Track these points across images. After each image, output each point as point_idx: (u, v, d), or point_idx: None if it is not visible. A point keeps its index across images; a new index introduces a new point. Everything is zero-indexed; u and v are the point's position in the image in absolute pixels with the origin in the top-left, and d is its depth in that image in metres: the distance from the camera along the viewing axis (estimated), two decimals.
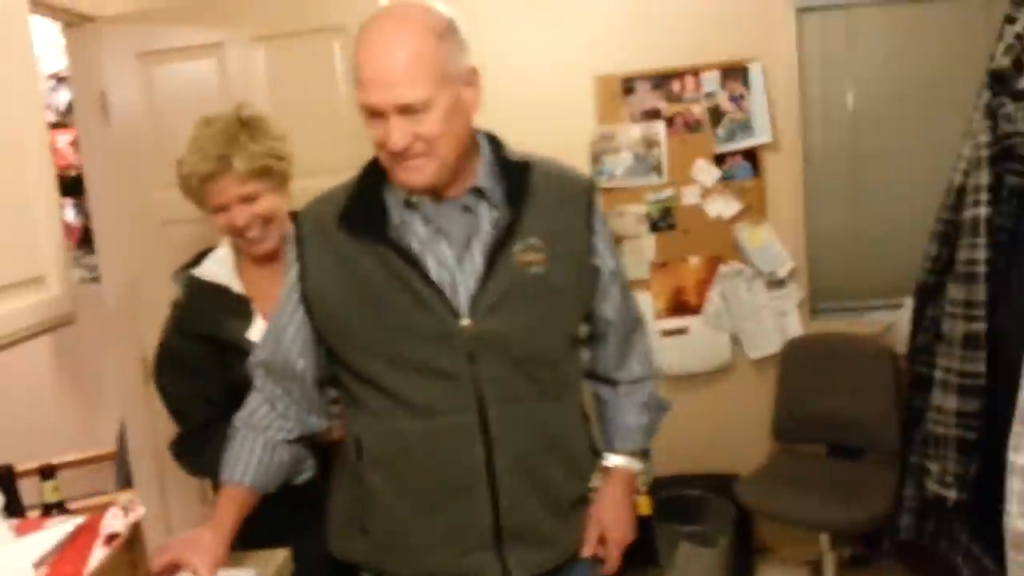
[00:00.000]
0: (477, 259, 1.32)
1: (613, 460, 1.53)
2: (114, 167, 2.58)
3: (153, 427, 2.64)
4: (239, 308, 1.69)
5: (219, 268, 1.73)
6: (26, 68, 1.57)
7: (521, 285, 1.32)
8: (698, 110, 3.18)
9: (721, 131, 3.17)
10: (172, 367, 1.69)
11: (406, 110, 1.22)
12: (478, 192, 1.34)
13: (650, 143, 3.20)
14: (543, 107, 3.14)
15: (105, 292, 2.68)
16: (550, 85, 3.18)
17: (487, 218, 1.34)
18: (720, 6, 3.14)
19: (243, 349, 1.60)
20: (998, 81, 1.31)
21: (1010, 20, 1.28)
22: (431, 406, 1.31)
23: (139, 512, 1.18)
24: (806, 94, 3.20)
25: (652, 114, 3.20)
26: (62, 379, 3.94)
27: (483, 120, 1.38)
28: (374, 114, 1.24)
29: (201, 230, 2.51)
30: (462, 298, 1.31)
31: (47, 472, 1.89)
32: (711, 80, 3.15)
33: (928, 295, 2.34)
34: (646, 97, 3.19)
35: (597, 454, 1.53)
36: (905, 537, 2.50)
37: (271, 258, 1.72)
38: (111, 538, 1.15)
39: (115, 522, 1.17)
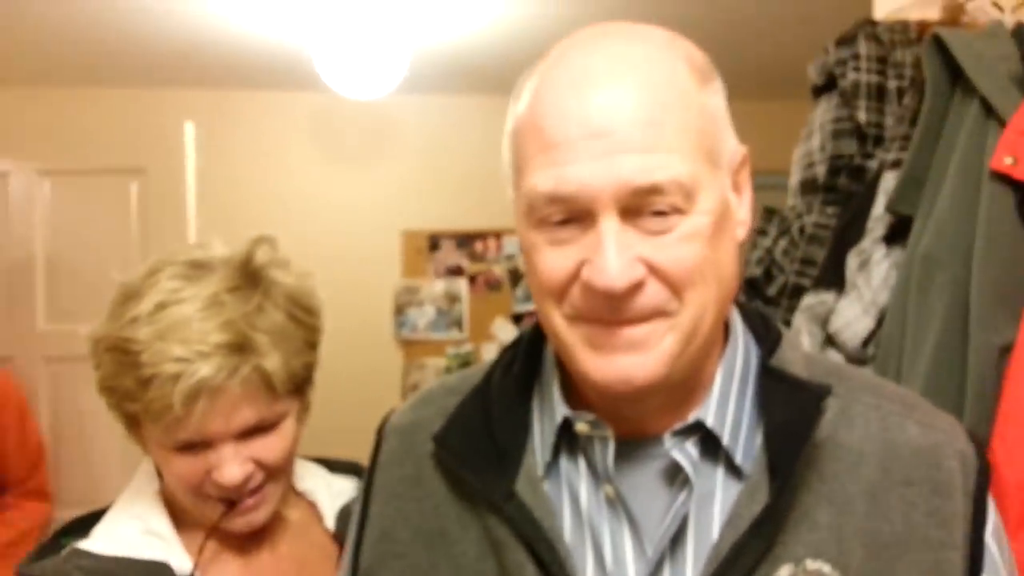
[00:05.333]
0: None
1: None
2: None
3: None
4: None
5: (143, 534, 0.88)
6: None
7: None
8: (499, 271, 3.31)
9: (520, 292, 3.31)
10: None
11: (646, 199, 0.58)
12: (700, 434, 0.65)
13: (452, 299, 3.29)
14: (349, 258, 3.17)
15: None
16: (357, 237, 3.23)
17: (721, 498, 0.64)
18: None
19: None
20: (751, 287, 1.46)
21: (762, 232, 1.46)
22: None
23: None
24: None
25: (455, 271, 3.30)
26: None
27: None
28: (569, 217, 0.60)
29: None
30: None
31: None
32: (512, 243, 3.31)
33: None
34: (450, 254, 3.30)
35: None
36: None
37: (256, 538, 0.93)
38: None
39: None
